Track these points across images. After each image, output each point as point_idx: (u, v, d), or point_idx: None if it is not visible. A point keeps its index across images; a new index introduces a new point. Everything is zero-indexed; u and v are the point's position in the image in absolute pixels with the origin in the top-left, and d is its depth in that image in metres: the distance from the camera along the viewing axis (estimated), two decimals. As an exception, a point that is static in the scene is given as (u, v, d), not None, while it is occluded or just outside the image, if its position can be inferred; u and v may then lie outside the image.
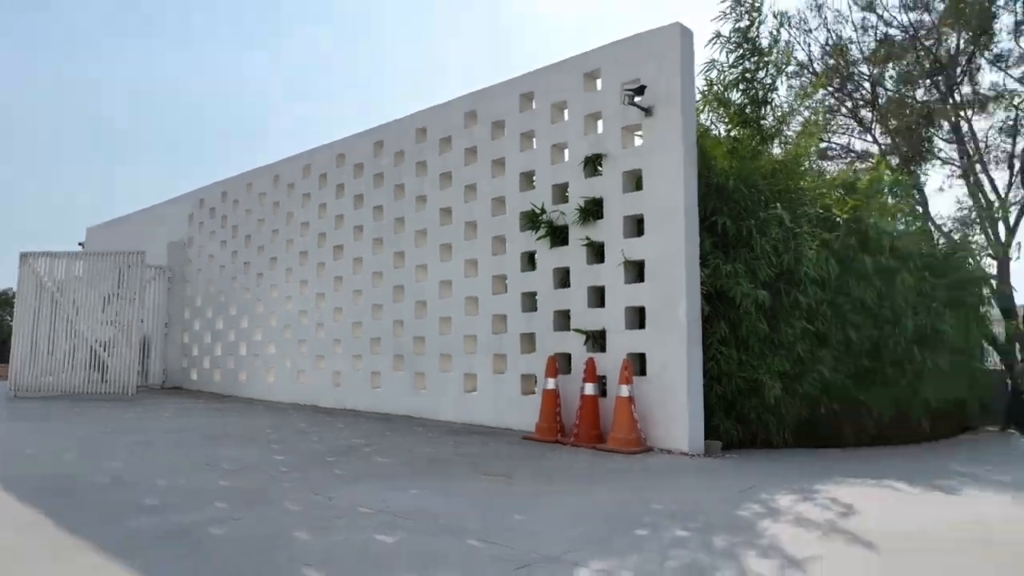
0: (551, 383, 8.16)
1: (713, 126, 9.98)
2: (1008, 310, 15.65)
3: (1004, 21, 15.05)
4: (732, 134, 9.77)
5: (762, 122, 9.87)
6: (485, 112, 9.90)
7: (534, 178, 9.27)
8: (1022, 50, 15.04)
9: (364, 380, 11.21)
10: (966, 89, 15.86)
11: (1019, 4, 14.40)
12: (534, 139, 9.36)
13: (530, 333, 9.05)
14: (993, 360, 15.97)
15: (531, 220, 9.01)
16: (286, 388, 12.70)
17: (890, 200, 11.79)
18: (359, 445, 7.62)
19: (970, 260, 13.42)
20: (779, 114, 10.20)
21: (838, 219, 9.37)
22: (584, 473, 6.36)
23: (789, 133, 10.54)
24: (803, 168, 10.20)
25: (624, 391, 7.40)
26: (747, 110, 9.83)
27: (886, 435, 10.48)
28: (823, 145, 16.99)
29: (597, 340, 8.33)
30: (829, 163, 16.93)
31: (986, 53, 15.35)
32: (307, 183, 12.92)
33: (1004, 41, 15.32)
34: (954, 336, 11.50)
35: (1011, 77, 15.49)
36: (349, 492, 5.12)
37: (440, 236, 10.32)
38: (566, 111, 9.10)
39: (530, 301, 9.14)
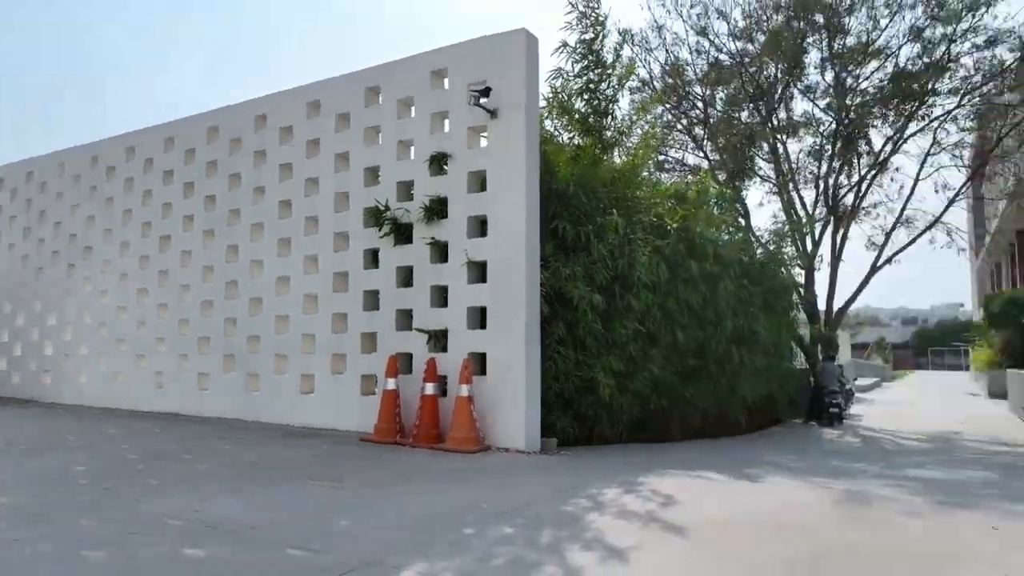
0: (391, 383, 7.99)
1: (557, 133, 10.25)
2: (812, 315, 17.47)
3: (813, 56, 16.78)
4: (575, 142, 10.08)
5: (604, 132, 10.26)
6: (330, 104, 9.52)
7: (379, 174, 9.04)
8: (827, 84, 16.82)
9: (191, 381, 10.39)
10: (782, 115, 17.52)
11: (824, 43, 16.10)
12: (380, 134, 9.14)
13: (371, 332, 8.81)
14: (800, 359, 17.71)
15: (375, 217, 8.78)
16: (100, 391, 11.51)
17: (716, 211, 12.75)
18: (177, 451, 7.02)
19: (782, 269, 14.83)
20: (619, 125, 10.66)
21: (669, 227, 9.94)
22: (419, 474, 6.25)
23: (629, 144, 11.06)
24: (640, 178, 10.74)
25: (464, 391, 7.38)
26: (590, 119, 10.18)
27: (709, 429, 11.30)
28: (661, 158, 18.09)
29: (439, 340, 8.26)
30: (666, 175, 18.05)
31: (798, 84, 17.05)
32: (131, 167, 11.78)
33: (813, 74, 17.10)
34: (767, 337, 12.60)
35: (818, 107, 17.32)
36: (159, 503, 4.67)
37: (279, 230, 9.80)
38: (413, 108, 8.96)
39: (372, 300, 8.90)
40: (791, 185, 17.15)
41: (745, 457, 9.10)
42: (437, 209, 8.39)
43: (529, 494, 5.52)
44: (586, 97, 10.18)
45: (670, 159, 18.60)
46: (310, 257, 9.47)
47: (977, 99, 15.32)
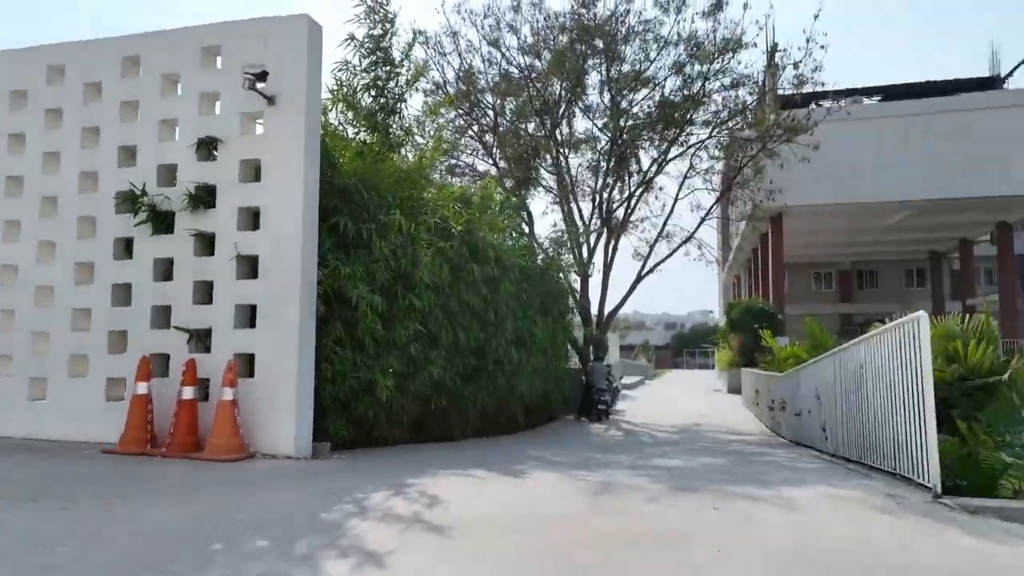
0: (142, 387, 7.15)
1: (341, 127, 9.92)
2: (586, 318, 18.76)
3: (593, 78, 18.07)
4: (361, 137, 9.82)
5: (391, 130, 10.12)
6: (76, 70, 8.33)
7: (136, 155, 8.08)
8: (605, 105, 18.19)
9: None
10: (565, 130, 18.65)
11: (603, 67, 17.41)
12: (139, 111, 8.17)
13: (122, 331, 7.84)
14: (574, 360, 18.92)
15: (130, 202, 7.84)
16: None
17: (501, 217, 13.17)
18: None
19: (560, 275, 15.76)
20: (408, 125, 10.59)
21: (454, 230, 10.06)
22: (169, 488, 5.64)
23: (419, 144, 11.03)
24: (427, 179, 10.75)
25: (227, 394, 6.82)
26: (377, 116, 9.99)
27: (489, 427, 11.62)
28: (452, 162, 18.36)
29: (202, 339, 7.57)
30: (456, 179, 18.33)
31: (579, 103, 18.27)
32: None
33: (593, 95, 18.42)
34: (544, 339, 13.29)
35: (596, 126, 18.67)
36: None
37: (4, 210, 8.38)
38: (180, 85, 8.13)
39: (124, 294, 7.92)
40: (571, 196, 18.27)
41: (515, 453, 9.45)
42: (204, 198, 7.69)
43: (291, 502, 5.21)
44: (373, 93, 9.98)
45: (461, 163, 18.96)
46: (46, 243, 8.21)
47: (724, 132, 17.52)
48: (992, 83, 30.75)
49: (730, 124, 17.33)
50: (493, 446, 10.39)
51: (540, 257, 15.22)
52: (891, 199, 26.93)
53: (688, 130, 17.39)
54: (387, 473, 6.79)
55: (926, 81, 30.41)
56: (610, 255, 18.79)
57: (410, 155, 10.67)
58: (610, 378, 19.75)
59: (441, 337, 9.44)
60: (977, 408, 7.08)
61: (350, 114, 9.91)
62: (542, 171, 18.49)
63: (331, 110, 9.70)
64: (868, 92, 30.73)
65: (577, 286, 18.16)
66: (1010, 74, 30.84)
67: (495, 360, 11.11)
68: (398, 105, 10.21)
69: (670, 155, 17.79)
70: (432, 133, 11.37)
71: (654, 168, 18.30)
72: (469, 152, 19.06)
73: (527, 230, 17.54)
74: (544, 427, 15.40)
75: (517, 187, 17.55)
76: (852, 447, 8.06)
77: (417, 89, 11.24)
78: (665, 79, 17.39)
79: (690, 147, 17.87)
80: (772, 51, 18.10)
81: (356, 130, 9.94)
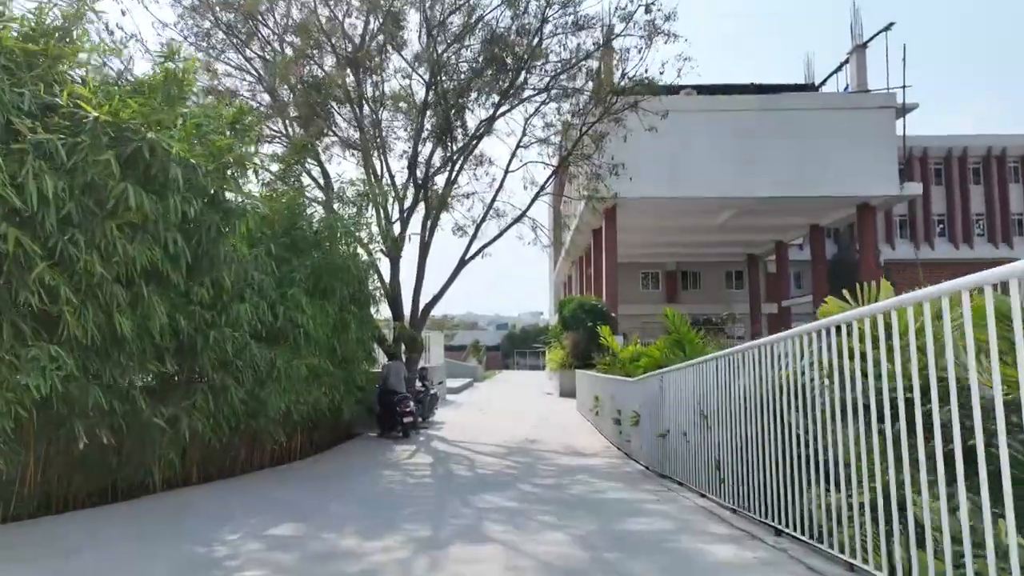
0: None
1: None
2: (397, 310, 14.79)
3: (413, 19, 14.15)
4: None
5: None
6: None
7: None
8: (425, 50, 14.27)
9: None
10: (374, 80, 14.54)
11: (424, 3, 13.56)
12: None
13: None
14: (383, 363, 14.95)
15: None
16: None
17: (235, 139, 8.91)
18: None
19: (352, 246, 11.70)
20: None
21: (88, 114, 5.67)
22: None
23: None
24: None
25: None
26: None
27: (216, 463, 7.39)
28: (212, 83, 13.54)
29: None
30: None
31: (397, 46, 14.26)
32: None
33: (413, 41, 14.50)
34: (323, 332, 9.19)
35: (417, 74, 14.62)
36: None
37: None
38: None
39: None
40: (378, 152, 14.18)
41: (202, 528, 5.26)
42: None
43: None
44: None
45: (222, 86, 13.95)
46: None
47: (563, 86, 14.28)
48: (808, 90, 30.97)
49: (572, 75, 14.13)
50: (200, 498, 6.14)
51: (329, 223, 11.00)
52: (718, 196, 25.74)
53: (522, 79, 13.96)
54: None
55: (749, 83, 29.94)
56: (428, 233, 14.95)
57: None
58: (427, 383, 15.92)
59: (65, 326, 5.03)
60: None
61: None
62: (337, 117, 14.15)
63: None
64: (697, 89, 29.65)
65: (387, 273, 14.20)
66: (824, 82, 31.25)
67: (221, 363, 6.85)
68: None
69: (501, 110, 14.27)
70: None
71: (483, 128, 14.71)
72: (239, 77, 14.19)
73: (321, 187, 13.24)
74: (332, 451, 11.28)
75: (305, 126, 13.02)
76: (780, 510, 4.78)
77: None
78: (495, 9, 13.79)
79: (524, 100, 14.46)
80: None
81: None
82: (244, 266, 6.90)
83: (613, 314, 24.54)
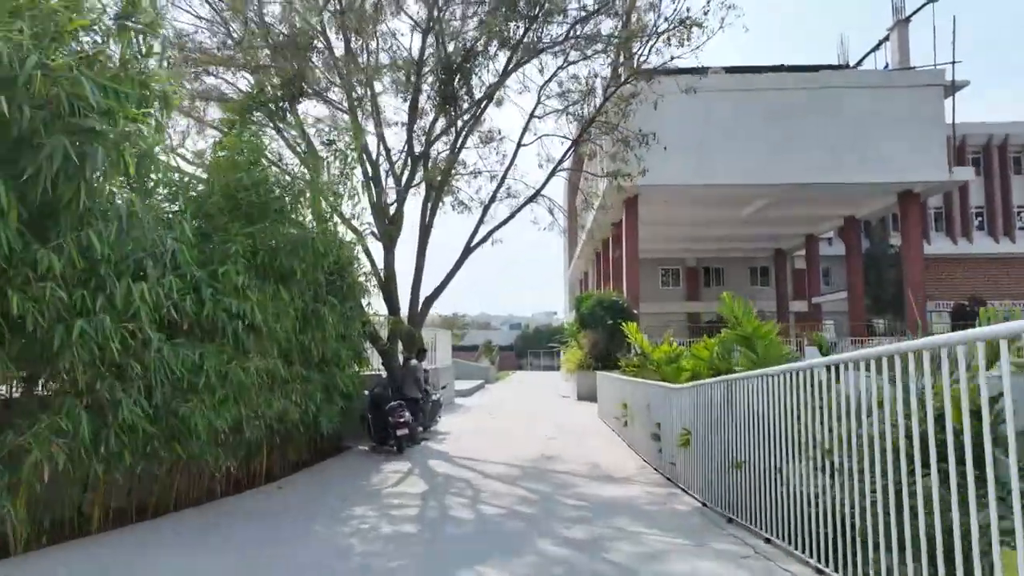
0: None
1: None
2: (392, 304, 12.59)
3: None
4: None
5: None
6: None
7: None
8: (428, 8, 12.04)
9: None
10: (373, 46, 12.33)
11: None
12: None
13: None
14: (377, 363, 12.78)
15: None
16: None
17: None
18: None
19: (338, 225, 9.47)
20: None
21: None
22: None
23: None
24: None
25: None
26: None
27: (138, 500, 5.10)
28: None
29: None
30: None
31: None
32: None
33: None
34: (280, 324, 7.02)
35: (418, 27, 12.35)
36: None
37: None
38: None
39: None
40: (374, 122, 11.97)
41: None
42: None
43: None
44: None
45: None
46: None
47: (587, 38, 11.96)
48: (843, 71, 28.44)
49: (597, 22, 11.82)
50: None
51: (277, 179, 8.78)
52: (749, 183, 23.33)
53: (540, 26, 11.64)
54: None
55: (780, 65, 27.46)
56: (428, 216, 12.76)
57: None
58: (426, 387, 13.72)
59: None
60: None
61: None
62: (318, 73, 11.86)
63: None
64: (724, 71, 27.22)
65: (381, 261, 12.02)
66: (859, 63, 28.73)
67: (104, 367, 4.67)
68: None
69: (513, 65, 11.96)
70: None
71: (493, 86, 12.42)
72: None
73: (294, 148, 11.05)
74: (308, 471, 9.18)
75: (285, 86, 10.75)
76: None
77: None
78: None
79: (541, 52, 12.13)
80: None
81: None
82: (139, 227, 4.71)
83: (635, 311, 22.21)
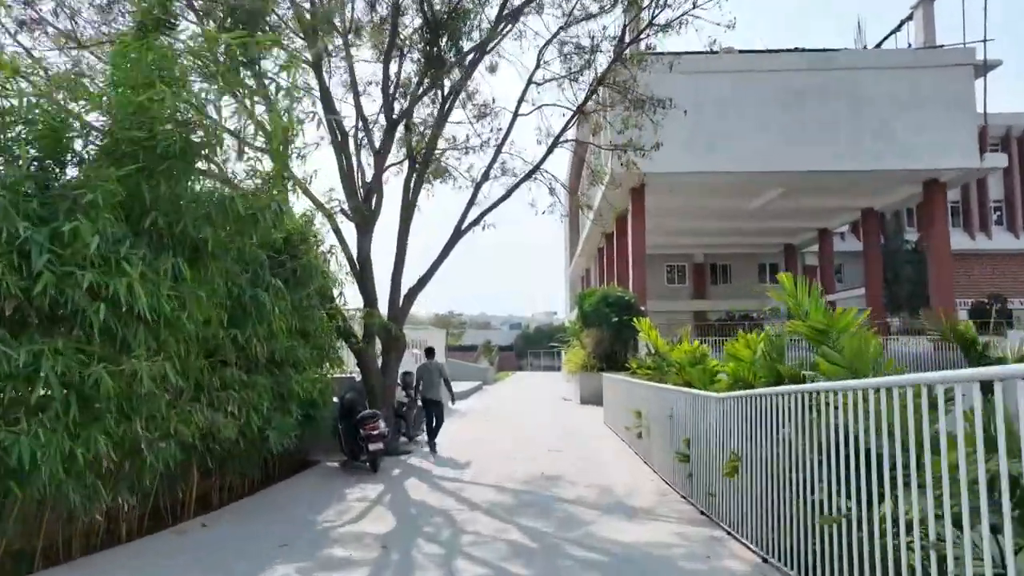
0: None
1: None
2: (369, 295, 10.72)
3: None
4: None
5: None
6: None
7: None
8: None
9: None
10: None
11: None
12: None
13: None
14: (351, 365, 10.90)
15: None
16: None
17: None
18: None
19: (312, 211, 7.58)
20: None
21: None
22: None
23: None
24: None
25: None
26: None
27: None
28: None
29: None
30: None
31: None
32: None
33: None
34: (203, 317, 5.16)
35: None
36: None
37: None
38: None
39: None
40: (348, 75, 10.07)
41: None
42: None
43: None
44: None
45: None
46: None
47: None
48: (860, 55, 26.51)
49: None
50: None
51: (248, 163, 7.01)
52: (761, 170, 21.42)
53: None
54: None
55: (794, 48, 25.56)
56: (412, 192, 10.88)
57: None
58: (409, 392, 11.83)
59: None
60: None
61: None
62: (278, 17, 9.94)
63: None
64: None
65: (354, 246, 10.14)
66: (878, 45, 26.82)
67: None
68: None
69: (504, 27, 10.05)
70: None
71: (486, 36, 10.52)
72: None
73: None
74: (254, 497, 7.35)
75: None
76: None
77: None
78: None
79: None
80: None
81: None
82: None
83: (643, 307, 20.29)
